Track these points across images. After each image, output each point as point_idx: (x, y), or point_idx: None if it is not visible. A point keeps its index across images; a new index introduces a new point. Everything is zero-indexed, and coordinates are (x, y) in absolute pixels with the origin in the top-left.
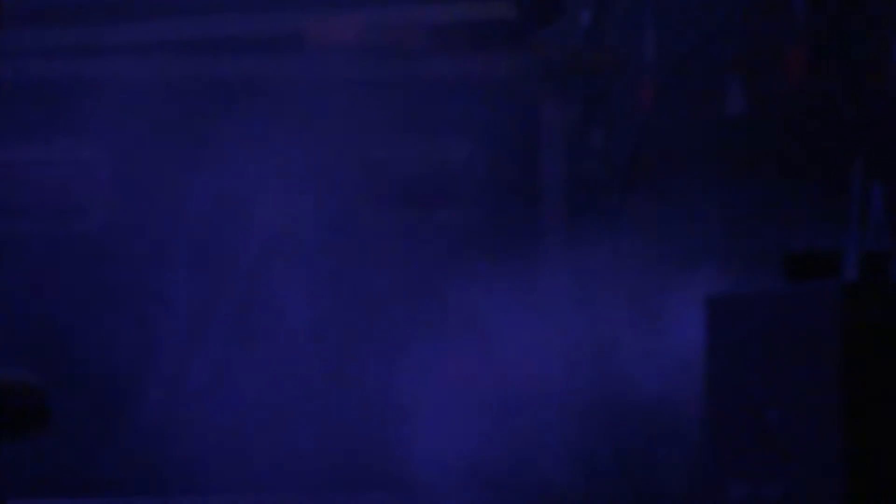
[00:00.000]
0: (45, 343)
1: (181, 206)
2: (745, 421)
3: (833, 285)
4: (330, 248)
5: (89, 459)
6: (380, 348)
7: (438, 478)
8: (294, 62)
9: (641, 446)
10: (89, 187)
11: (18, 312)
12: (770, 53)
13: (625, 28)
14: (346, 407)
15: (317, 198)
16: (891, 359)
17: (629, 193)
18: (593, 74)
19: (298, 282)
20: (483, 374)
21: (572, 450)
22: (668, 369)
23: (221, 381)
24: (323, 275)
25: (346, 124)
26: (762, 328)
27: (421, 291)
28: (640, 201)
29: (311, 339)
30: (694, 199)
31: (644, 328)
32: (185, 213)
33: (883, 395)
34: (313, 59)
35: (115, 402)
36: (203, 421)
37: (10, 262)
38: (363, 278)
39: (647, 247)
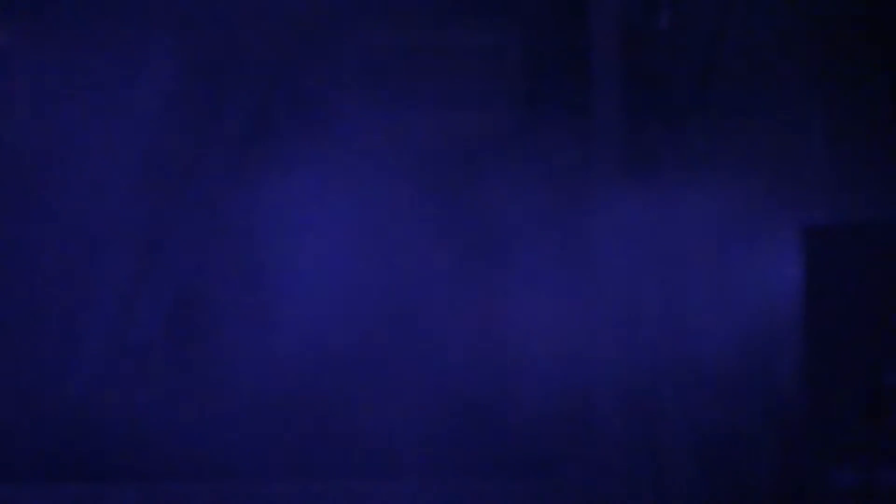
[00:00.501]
0: None
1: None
2: (855, 388)
3: None
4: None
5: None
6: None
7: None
8: None
9: (721, 420)
10: None
11: None
12: None
13: None
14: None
15: (348, 96)
16: None
17: (707, 94)
18: None
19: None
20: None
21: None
22: (756, 324)
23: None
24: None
25: (360, 15)
26: (880, 267)
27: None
28: (722, 104)
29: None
30: (794, 103)
31: (725, 271)
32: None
33: None
34: None
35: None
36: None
37: None
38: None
39: (730, 165)
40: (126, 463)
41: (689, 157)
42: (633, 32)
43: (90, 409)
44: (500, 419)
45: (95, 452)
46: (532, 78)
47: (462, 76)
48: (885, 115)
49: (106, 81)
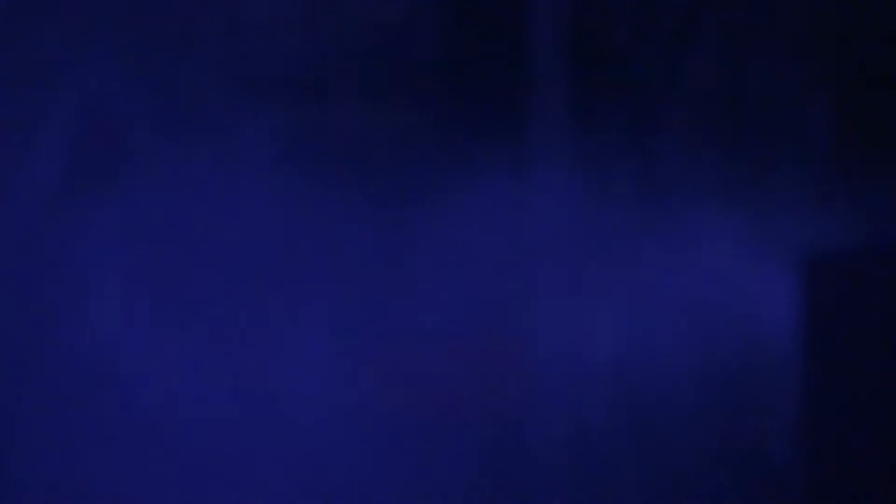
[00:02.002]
0: None
1: None
2: (867, 448)
3: None
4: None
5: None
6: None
7: None
8: None
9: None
10: None
11: None
12: None
13: None
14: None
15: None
16: None
17: (678, 71)
18: None
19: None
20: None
21: None
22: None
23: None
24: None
25: None
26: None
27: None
28: (695, 85)
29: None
30: (787, 95)
31: (688, 296)
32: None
33: None
34: None
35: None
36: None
37: None
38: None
39: (701, 162)
40: None
41: (646, 141)
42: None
43: None
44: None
45: None
46: (461, 52)
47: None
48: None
49: None
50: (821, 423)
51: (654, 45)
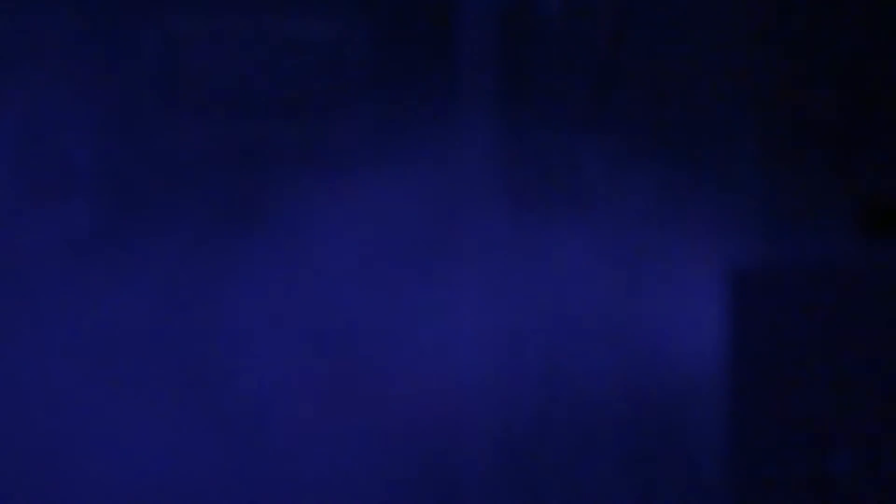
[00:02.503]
0: None
1: None
2: (795, 465)
3: None
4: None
5: None
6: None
7: None
8: None
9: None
10: None
11: None
12: None
13: None
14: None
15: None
16: None
17: (606, 91)
18: None
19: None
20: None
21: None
22: (668, 378)
23: None
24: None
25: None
26: (823, 316)
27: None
28: (622, 104)
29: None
30: (715, 114)
31: (623, 312)
32: None
33: None
34: None
35: None
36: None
37: None
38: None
39: (631, 179)
40: None
41: (579, 158)
42: (511, 14)
43: None
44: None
45: None
46: (389, 62)
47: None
48: (829, 127)
49: None
50: (744, 431)
51: (582, 61)
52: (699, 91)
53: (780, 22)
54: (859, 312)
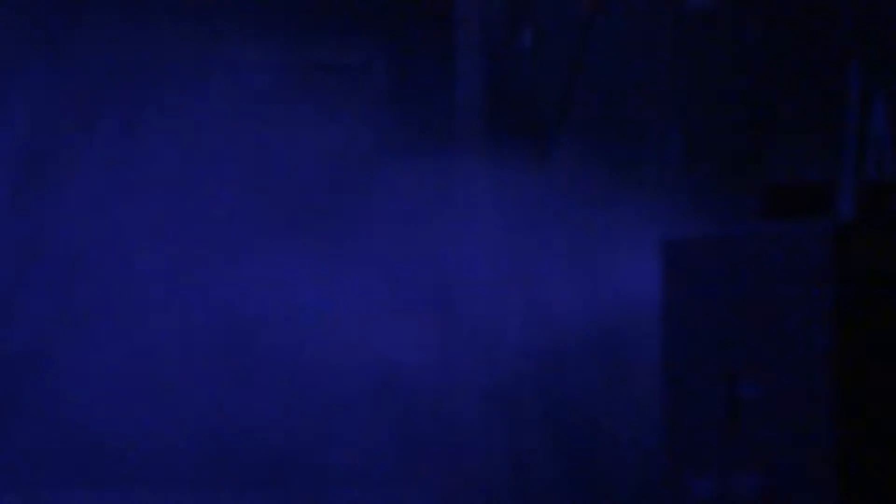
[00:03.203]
0: None
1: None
2: (712, 395)
3: (824, 224)
4: (242, 153)
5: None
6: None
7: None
8: None
9: (583, 429)
10: None
11: None
12: None
13: None
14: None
15: (230, 99)
16: (892, 312)
17: (568, 107)
18: None
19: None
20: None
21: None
22: (612, 319)
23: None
24: (239, 181)
25: (238, 29)
26: (734, 279)
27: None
28: (580, 117)
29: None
30: (648, 118)
31: (585, 273)
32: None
33: (885, 362)
34: None
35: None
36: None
37: None
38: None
39: (588, 175)
40: None
41: (550, 168)
42: (496, 49)
43: None
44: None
45: None
46: (400, 91)
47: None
48: (741, 131)
49: None
50: (675, 364)
51: (551, 92)
52: (638, 107)
53: (703, 44)
54: (761, 272)
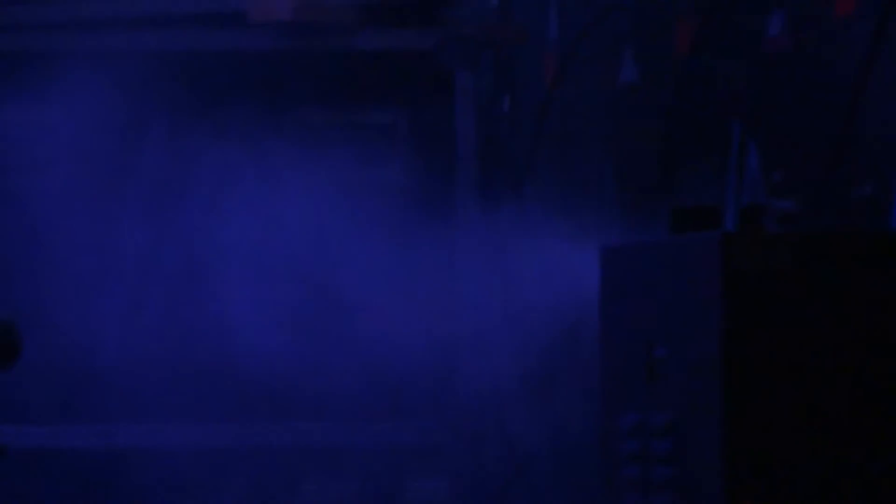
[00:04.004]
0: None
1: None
2: (636, 358)
3: (714, 235)
4: (259, 209)
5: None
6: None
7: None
8: (234, 37)
9: (548, 384)
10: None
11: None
12: (661, 28)
13: (530, 5)
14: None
15: (250, 158)
16: (765, 302)
17: (534, 150)
18: (502, 47)
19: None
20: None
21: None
22: (571, 317)
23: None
24: (253, 236)
25: (283, 91)
26: (651, 275)
27: (345, 243)
28: (544, 157)
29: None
30: (592, 158)
31: (549, 279)
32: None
33: (756, 332)
34: (252, 34)
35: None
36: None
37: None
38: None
39: (550, 200)
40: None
41: (521, 193)
42: (484, 111)
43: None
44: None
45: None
46: (415, 142)
47: (352, 141)
48: (657, 173)
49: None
50: (611, 340)
51: (522, 144)
52: (583, 154)
53: (629, 108)
54: (671, 270)
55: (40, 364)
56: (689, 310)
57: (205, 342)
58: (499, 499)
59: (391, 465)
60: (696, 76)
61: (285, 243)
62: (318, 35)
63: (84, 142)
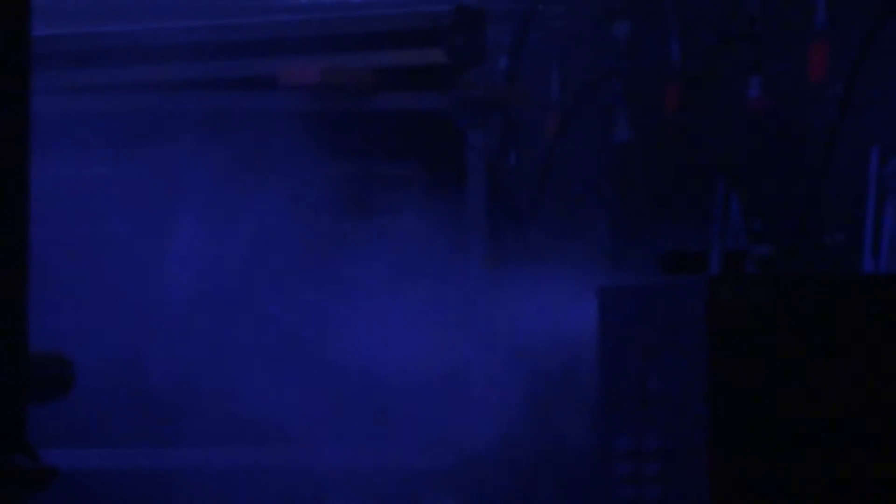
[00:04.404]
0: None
1: (165, 225)
2: (630, 390)
3: (700, 279)
4: (279, 259)
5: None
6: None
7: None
8: (266, 98)
9: (549, 413)
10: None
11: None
12: (651, 90)
13: (535, 68)
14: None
15: (275, 209)
16: (746, 338)
17: (539, 204)
18: (509, 107)
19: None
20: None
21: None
22: (571, 351)
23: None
24: (267, 281)
25: (308, 149)
26: (643, 314)
27: (358, 287)
28: (547, 211)
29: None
30: (589, 211)
31: (550, 317)
32: (167, 232)
33: (740, 369)
34: (283, 96)
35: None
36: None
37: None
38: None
39: (552, 249)
40: None
41: (527, 243)
42: (493, 167)
43: None
44: None
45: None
46: (429, 196)
47: (372, 195)
48: (649, 220)
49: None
50: (609, 370)
51: (527, 195)
52: (579, 204)
53: (622, 163)
54: (661, 309)
55: (87, 388)
56: (678, 344)
57: (236, 368)
58: None
59: (405, 488)
60: (682, 134)
61: (309, 284)
62: (341, 97)
63: (126, 193)
